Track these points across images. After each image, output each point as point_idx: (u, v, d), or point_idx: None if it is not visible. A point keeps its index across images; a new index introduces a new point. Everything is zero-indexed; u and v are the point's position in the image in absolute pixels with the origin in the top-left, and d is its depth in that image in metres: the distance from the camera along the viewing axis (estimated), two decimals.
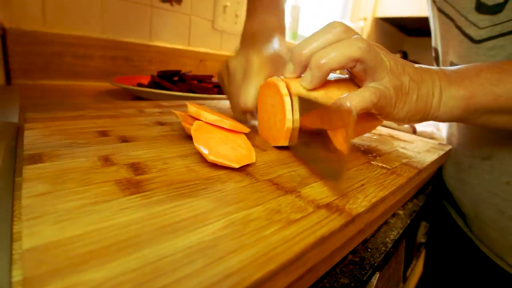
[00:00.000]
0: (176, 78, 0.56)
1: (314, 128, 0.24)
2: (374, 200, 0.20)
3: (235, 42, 0.92)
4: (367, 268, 0.21)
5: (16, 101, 0.45)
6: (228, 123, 0.25)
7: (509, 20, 0.33)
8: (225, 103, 0.48)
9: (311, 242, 0.14)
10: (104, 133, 0.26)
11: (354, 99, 0.24)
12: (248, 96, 0.30)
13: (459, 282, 0.49)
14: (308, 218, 0.16)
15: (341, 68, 0.25)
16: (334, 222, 0.16)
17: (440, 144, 0.42)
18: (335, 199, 0.19)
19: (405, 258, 0.44)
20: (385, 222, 0.30)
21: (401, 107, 0.27)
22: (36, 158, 0.19)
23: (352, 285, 0.19)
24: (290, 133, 0.27)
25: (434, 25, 0.45)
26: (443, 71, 0.29)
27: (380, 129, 0.47)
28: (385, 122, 0.50)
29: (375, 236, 0.26)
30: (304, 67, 0.26)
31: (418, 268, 0.56)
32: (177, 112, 0.28)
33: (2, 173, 0.23)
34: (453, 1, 0.38)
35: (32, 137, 0.23)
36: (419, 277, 0.58)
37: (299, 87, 0.26)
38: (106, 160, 0.20)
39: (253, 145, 0.26)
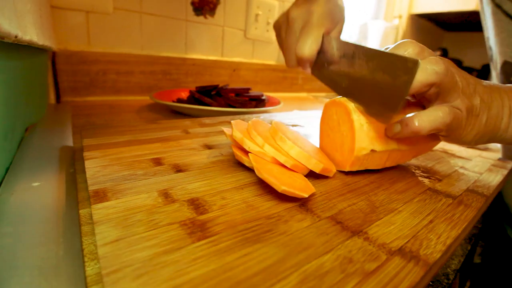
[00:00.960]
0: (214, 92, 0.56)
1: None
2: (448, 242, 0.18)
3: (267, 50, 0.92)
4: None
5: (67, 119, 0.48)
6: (290, 162, 0.24)
7: None
8: (264, 117, 0.48)
9: None
10: (158, 162, 0.26)
11: (424, 120, 0.22)
12: (306, 46, 0.29)
13: None
14: (384, 270, 0.15)
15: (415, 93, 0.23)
16: (413, 274, 0.15)
17: (500, 160, 0.39)
18: (406, 242, 0.18)
19: (459, 281, 0.41)
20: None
21: (469, 129, 0.25)
22: (102, 195, 0.20)
23: None
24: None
25: (486, 22, 0.42)
26: None
27: None
28: None
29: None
30: None
31: None
32: (227, 134, 0.28)
33: (68, 204, 0.24)
34: None
35: (93, 169, 0.24)
36: None
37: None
38: (167, 196, 0.20)
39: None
